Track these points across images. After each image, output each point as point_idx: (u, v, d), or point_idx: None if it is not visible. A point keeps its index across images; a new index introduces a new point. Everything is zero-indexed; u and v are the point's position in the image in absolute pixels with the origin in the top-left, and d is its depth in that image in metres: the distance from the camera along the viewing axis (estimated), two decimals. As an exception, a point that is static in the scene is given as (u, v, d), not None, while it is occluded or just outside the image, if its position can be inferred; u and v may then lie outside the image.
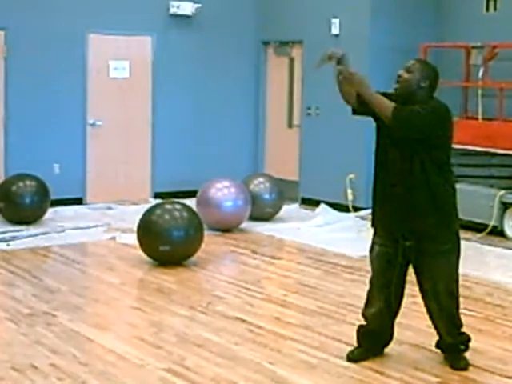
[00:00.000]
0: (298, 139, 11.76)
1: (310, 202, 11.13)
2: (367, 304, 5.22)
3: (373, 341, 5.23)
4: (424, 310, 6.42)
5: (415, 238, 4.93)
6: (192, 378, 4.89)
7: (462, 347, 5.17)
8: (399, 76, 4.94)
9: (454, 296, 5.12)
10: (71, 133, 10.97)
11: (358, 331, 5.27)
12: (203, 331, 5.84)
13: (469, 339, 5.21)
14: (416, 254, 4.97)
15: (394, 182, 4.89)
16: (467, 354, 5.23)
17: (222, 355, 5.33)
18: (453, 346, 5.16)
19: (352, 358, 5.19)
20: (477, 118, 9.90)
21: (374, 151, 5.07)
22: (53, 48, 10.74)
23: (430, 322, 6.11)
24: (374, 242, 5.17)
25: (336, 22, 10.98)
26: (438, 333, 5.20)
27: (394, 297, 5.08)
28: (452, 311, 5.13)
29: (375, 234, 5.16)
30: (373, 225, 5.15)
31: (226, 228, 9.40)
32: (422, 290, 5.15)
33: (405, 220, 4.91)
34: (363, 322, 5.26)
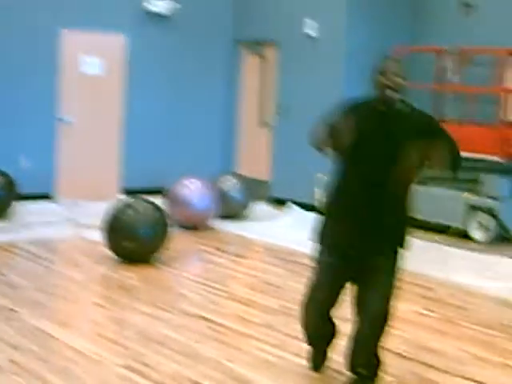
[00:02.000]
0: (269, 138, 11.78)
1: (280, 202, 11.15)
2: (305, 315, 4.88)
3: (321, 343, 5.04)
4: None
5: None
6: (150, 375, 4.89)
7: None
8: (400, 84, 4.67)
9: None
10: (41, 128, 10.92)
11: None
12: (164, 328, 5.84)
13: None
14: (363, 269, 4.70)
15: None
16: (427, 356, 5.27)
17: (182, 352, 5.33)
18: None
19: (316, 365, 5.06)
20: (446, 122, 9.94)
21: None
22: (25, 42, 10.68)
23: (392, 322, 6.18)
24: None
25: (311, 22, 11.00)
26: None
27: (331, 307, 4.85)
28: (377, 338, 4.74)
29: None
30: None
31: (194, 226, 9.39)
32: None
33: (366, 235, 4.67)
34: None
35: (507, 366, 5.37)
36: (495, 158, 9.32)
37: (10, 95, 10.69)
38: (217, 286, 7.19)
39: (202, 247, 8.73)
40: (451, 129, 9.54)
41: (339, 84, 10.72)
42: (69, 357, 5.21)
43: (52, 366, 5.01)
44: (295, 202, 10.85)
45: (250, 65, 12.22)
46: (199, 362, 5.17)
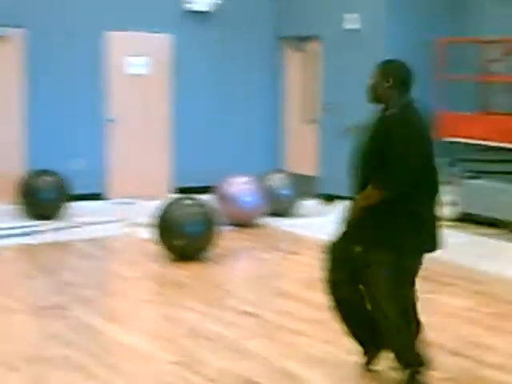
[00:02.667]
0: (316, 134, 11.75)
1: (330, 198, 11.09)
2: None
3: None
4: (438, 306, 6.45)
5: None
6: (201, 372, 4.91)
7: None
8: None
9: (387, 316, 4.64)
10: (91, 128, 11.05)
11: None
12: (215, 325, 5.86)
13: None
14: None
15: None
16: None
17: (232, 349, 5.35)
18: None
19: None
20: (496, 113, 9.82)
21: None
22: (72, 45, 10.82)
23: (443, 319, 6.12)
24: None
25: (353, 16, 10.95)
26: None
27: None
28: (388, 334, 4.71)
29: None
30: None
31: (244, 223, 9.41)
32: None
33: None
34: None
35: (562, 361, 5.27)
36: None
37: (59, 97, 10.83)
38: (266, 282, 7.20)
39: (252, 244, 8.74)
40: (497, 120, 9.60)
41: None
42: (120, 353, 5.28)
43: (104, 363, 5.06)
44: (343, 198, 10.76)
45: (293, 61, 12.20)
46: (249, 359, 5.17)
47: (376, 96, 4.69)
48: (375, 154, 4.53)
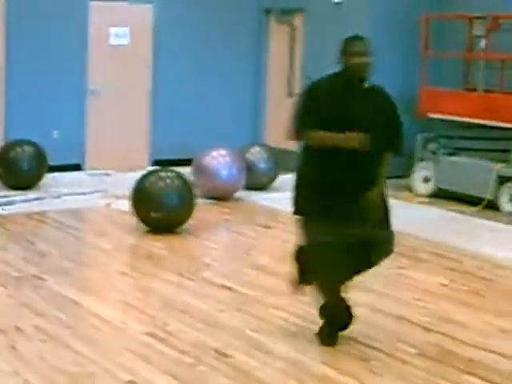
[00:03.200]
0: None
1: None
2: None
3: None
4: (410, 281, 6.52)
5: None
6: (173, 343, 4.93)
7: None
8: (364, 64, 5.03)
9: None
10: (71, 100, 10.97)
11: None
12: (188, 297, 5.88)
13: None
14: None
15: None
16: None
17: (205, 321, 5.37)
18: None
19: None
20: (478, 90, 9.83)
21: None
22: (54, 15, 10.70)
23: (415, 294, 6.19)
24: None
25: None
26: None
27: None
28: None
29: None
30: None
31: (221, 196, 9.40)
32: None
33: None
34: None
35: (532, 338, 5.33)
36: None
37: (39, 68, 10.73)
38: (242, 255, 7.21)
39: (229, 218, 8.75)
40: (482, 97, 9.63)
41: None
42: (94, 324, 5.28)
43: (76, 333, 5.07)
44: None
45: (278, 34, 12.15)
46: (222, 331, 5.20)
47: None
48: (390, 124, 4.95)
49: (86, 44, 10.99)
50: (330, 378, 4.57)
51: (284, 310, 5.67)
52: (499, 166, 9.29)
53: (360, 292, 5.68)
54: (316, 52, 11.21)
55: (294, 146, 11.68)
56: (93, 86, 11.10)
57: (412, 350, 4.98)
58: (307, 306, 5.73)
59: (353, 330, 5.15)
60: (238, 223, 8.50)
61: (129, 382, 4.39)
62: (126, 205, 8.29)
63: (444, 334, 5.30)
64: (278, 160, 10.22)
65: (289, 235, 8.18)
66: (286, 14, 11.94)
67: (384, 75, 10.50)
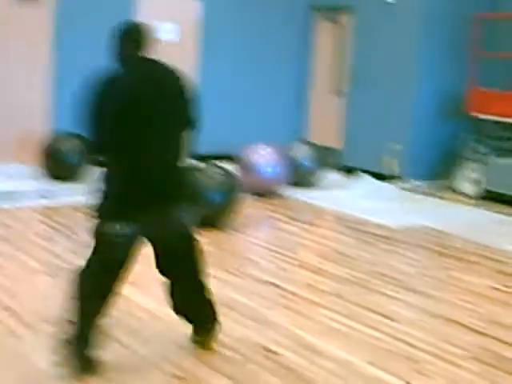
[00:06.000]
0: (342, 106, 11.65)
1: (352, 171, 11.04)
2: None
3: None
4: (458, 283, 6.43)
5: None
6: (221, 339, 4.89)
7: None
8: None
9: None
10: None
11: None
12: (235, 293, 5.85)
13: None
14: None
15: None
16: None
17: (252, 318, 5.33)
18: None
19: None
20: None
21: None
22: (103, 11, 10.74)
23: (464, 297, 6.10)
24: None
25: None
26: None
27: None
28: None
29: None
30: None
31: (265, 193, 9.37)
32: None
33: None
34: None
35: None
36: None
37: (86, 61, 10.75)
38: (287, 253, 7.17)
39: (273, 214, 8.71)
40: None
41: (414, 52, 10.53)
42: (140, 317, 5.27)
43: (123, 326, 5.06)
44: (365, 171, 10.72)
45: (324, 31, 12.08)
46: (269, 328, 5.16)
47: None
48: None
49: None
50: (380, 378, 4.51)
51: (330, 310, 5.62)
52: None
53: (411, 293, 5.62)
54: (365, 51, 11.12)
55: (335, 144, 11.72)
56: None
57: (464, 353, 4.89)
58: (352, 305, 5.70)
59: (402, 331, 5.08)
60: (282, 220, 8.45)
61: (177, 377, 4.38)
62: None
63: (496, 338, 5.21)
64: (322, 158, 10.17)
65: (332, 233, 8.17)
66: (334, 11, 11.85)
67: (434, 75, 10.49)
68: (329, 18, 11.96)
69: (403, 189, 10.25)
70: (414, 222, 8.47)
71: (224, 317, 5.31)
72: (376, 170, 10.72)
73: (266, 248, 7.35)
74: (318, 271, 6.63)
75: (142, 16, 11.02)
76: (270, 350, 4.78)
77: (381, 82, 10.75)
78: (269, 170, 9.28)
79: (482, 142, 10.02)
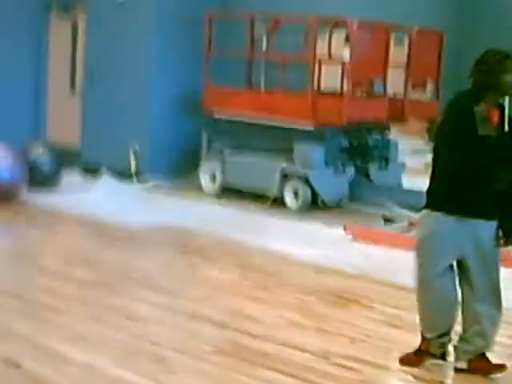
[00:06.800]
0: (80, 106, 11.45)
1: (93, 171, 10.83)
2: None
3: None
4: (201, 279, 6.50)
5: None
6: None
7: None
8: None
9: None
10: None
11: None
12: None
13: None
14: None
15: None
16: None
17: (-9, 330, 5.08)
18: None
19: None
20: (260, 89, 10.02)
21: None
22: None
23: (207, 292, 6.18)
24: None
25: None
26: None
27: None
28: None
29: None
30: None
31: (4, 197, 8.95)
32: None
33: None
34: None
35: (322, 330, 5.46)
36: (306, 126, 9.46)
37: None
38: (28, 259, 6.91)
39: (11, 219, 8.36)
40: (262, 97, 9.82)
41: (149, 51, 10.57)
42: None
43: None
44: (106, 171, 10.54)
45: (59, 31, 11.80)
46: (12, 340, 4.93)
47: None
48: None
49: None
50: (127, 380, 4.45)
51: (76, 315, 5.48)
52: (283, 164, 9.52)
53: (156, 293, 5.61)
54: (100, 50, 10.97)
55: (75, 143, 11.44)
56: None
57: (209, 348, 4.95)
58: (101, 309, 5.59)
59: (146, 330, 5.07)
60: (21, 225, 8.14)
61: None
62: None
63: (238, 330, 5.33)
64: (60, 158, 9.92)
65: (72, 236, 7.98)
66: (68, 11, 11.59)
67: (170, 73, 10.56)
68: (63, 17, 11.69)
69: (145, 188, 10.23)
70: (156, 222, 8.46)
71: None
72: (117, 169, 10.59)
73: (5, 256, 7.04)
74: (60, 276, 6.44)
75: None
76: (12, 363, 4.57)
77: (117, 81, 10.67)
78: (3, 172, 8.88)
79: (219, 139, 10.23)
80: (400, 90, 10.11)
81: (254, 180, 9.69)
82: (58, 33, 11.80)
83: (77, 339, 5.02)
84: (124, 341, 5.02)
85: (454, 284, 4.74)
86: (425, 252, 4.74)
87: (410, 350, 4.88)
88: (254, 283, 6.55)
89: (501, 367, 4.76)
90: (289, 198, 9.50)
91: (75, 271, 6.61)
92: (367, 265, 7.12)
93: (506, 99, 4.63)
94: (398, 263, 6.90)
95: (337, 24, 9.84)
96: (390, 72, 9.87)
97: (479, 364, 4.74)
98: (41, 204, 9.12)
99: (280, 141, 9.77)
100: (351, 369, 4.76)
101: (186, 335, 5.19)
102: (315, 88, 9.66)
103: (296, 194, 9.46)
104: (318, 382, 4.56)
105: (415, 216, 7.24)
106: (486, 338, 4.72)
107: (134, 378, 4.47)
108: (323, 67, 9.96)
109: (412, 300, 4.95)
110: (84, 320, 5.37)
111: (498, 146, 4.56)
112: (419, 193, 5.86)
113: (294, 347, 5.08)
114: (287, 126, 9.56)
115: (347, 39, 9.35)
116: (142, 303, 5.81)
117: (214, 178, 10.16)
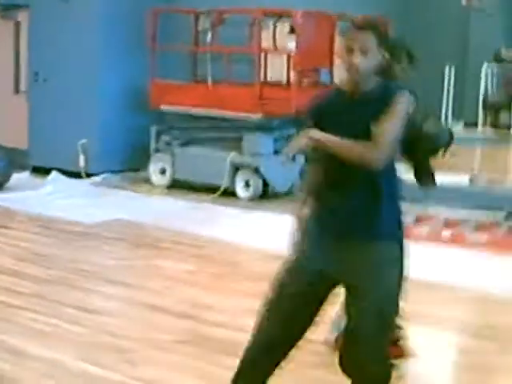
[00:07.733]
0: (25, 106, 11.33)
1: (42, 170, 10.77)
2: None
3: None
4: (158, 271, 6.53)
5: None
6: None
7: None
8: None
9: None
10: None
11: None
12: None
13: None
14: None
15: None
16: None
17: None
18: None
19: None
20: (206, 82, 10.06)
21: None
22: None
23: (164, 282, 6.21)
24: None
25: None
26: None
27: None
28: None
29: None
30: None
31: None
32: None
33: None
34: None
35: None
36: (255, 117, 9.53)
37: None
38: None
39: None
40: (211, 89, 9.88)
41: (95, 48, 10.51)
42: None
43: None
44: (58, 170, 10.52)
45: (2, 30, 11.65)
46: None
47: None
48: None
49: None
50: (90, 372, 4.46)
51: (32, 311, 5.47)
52: (232, 154, 9.58)
53: (113, 286, 5.60)
54: (44, 49, 10.85)
55: (23, 144, 11.34)
56: None
57: (170, 338, 4.99)
58: (56, 305, 5.59)
59: (106, 323, 5.08)
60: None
61: None
62: None
63: (198, 320, 5.38)
64: (9, 159, 9.84)
65: (27, 234, 7.93)
66: (10, 9, 11.46)
67: (117, 70, 10.52)
68: (5, 16, 11.56)
69: (95, 184, 10.19)
70: (108, 217, 8.44)
71: None
72: (67, 167, 10.54)
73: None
74: (14, 274, 6.40)
75: None
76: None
77: (64, 80, 10.58)
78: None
79: (168, 133, 10.25)
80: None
81: (204, 172, 9.73)
82: (2, 32, 11.67)
83: (37, 335, 5.01)
84: (85, 334, 5.03)
85: None
86: None
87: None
88: (210, 273, 6.60)
89: None
90: (240, 189, 9.56)
91: (29, 268, 6.58)
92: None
93: None
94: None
95: (281, 15, 9.92)
96: (336, 61, 9.99)
97: None
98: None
99: (229, 132, 9.83)
100: (310, 351, 4.82)
101: (146, 326, 5.22)
102: (262, 79, 9.75)
103: (247, 184, 9.53)
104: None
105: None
106: None
107: (97, 370, 4.48)
108: (269, 59, 10.05)
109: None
110: (43, 315, 5.36)
111: None
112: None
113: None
114: (236, 118, 9.62)
115: (292, 30, 9.44)
116: (99, 296, 5.83)
117: (164, 171, 10.17)
